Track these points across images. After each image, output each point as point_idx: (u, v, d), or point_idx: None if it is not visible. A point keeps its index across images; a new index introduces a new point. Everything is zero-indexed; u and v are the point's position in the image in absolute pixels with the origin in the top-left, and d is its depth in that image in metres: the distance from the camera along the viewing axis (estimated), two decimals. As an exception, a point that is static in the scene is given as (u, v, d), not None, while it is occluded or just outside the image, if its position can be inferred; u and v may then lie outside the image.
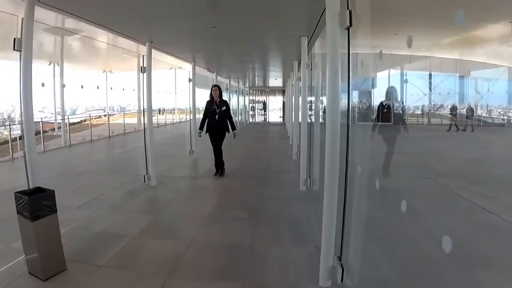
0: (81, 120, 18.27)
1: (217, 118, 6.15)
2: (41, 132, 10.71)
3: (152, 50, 5.87)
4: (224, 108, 6.20)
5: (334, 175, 2.62)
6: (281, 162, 7.92)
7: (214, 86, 6.31)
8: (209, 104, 6.23)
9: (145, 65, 5.59)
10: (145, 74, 5.65)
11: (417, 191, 5.63)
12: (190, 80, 8.50)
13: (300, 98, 5.69)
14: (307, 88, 5.35)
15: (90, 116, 16.55)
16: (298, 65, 8.13)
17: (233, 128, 6.41)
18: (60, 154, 10.01)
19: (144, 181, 5.79)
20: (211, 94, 6.24)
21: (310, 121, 5.92)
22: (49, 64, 14.36)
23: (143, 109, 5.99)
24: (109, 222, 4.06)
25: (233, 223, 4.04)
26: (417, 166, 7.29)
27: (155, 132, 7.14)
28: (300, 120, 6.20)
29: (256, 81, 19.82)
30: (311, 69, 5.14)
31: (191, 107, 8.63)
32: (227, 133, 6.42)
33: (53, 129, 14.71)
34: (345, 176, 2.72)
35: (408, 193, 5.33)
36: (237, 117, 18.24)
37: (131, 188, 5.60)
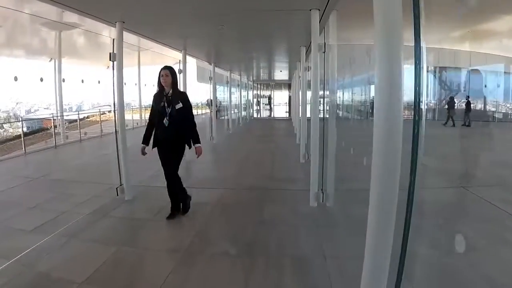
0: (84, 117, 17.69)
1: (166, 122, 3.70)
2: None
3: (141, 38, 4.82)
4: (179, 105, 3.71)
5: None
6: (286, 167, 6.78)
7: (163, 69, 3.73)
8: (157, 98, 3.79)
9: (115, 51, 4.47)
10: (115, 63, 4.55)
11: (455, 207, 4.47)
12: (180, 71, 7.38)
13: (311, 89, 4.48)
14: (319, 77, 4.18)
15: (77, 113, 15.71)
16: (307, 52, 6.96)
17: (195, 140, 3.96)
18: (41, 157, 9.01)
19: (117, 194, 4.73)
20: (159, 82, 3.75)
21: (323, 115, 4.77)
22: (50, 61, 14.02)
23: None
24: (58, 257, 3.03)
25: (219, 264, 2.94)
26: (445, 172, 6.14)
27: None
28: (309, 115, 5.06)
29: (261, 74, 18.63)
30: (325, 51, 3.97)
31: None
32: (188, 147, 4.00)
33: (50, 127, 13.93)
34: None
35: (445, 211, 4.20)
36: (239, 113, 17.10)
37: (102, 203, 4.56)
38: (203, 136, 10.73)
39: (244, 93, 20.29)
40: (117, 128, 4.86)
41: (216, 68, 13.17)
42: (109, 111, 18.37)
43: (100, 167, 6.98)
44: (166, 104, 3.71)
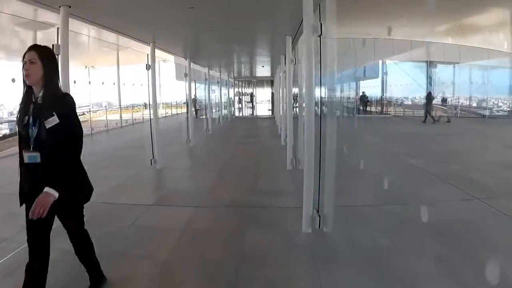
0: None
1: (31, 157, 1.90)
2: None
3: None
4: (52, 121, 1.89)
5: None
6: (272, 176, 5.86)
7: (28, 50, 1.92)
8: (22, 109, 1.99)
9: (59, 42, 3.44)
10: (60, 57, 3.54)
11: (479, 230, 3.65)
12: (148, 67, 6.35)
13: (304, 82, 3.53)
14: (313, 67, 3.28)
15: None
16: (293, 41, 6.08)
17: (57, 181, 1.86)
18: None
19: None
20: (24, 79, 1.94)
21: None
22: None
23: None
24: None
25: None
26: (451, 177, 5.41)
27: (127, 130, 5.02)
28: (304, 113, 4.22)
29: (242, 71, 17.66)
30: (321, 35, 3.07)
31: (150, 102, 6.48)
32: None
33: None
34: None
35: (470, 235, 3.41)
36: (220, 111, 16.09)
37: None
38: (179, 138, 9.87)
39: (224, 90, 19.28)
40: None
41: (193, 64, 12.20)
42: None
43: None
44: (31, 119, 1.90)
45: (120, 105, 19.21)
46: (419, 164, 6.46)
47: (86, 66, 21.54)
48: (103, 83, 21.26)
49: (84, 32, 11.06)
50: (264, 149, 8.64)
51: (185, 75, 9.05)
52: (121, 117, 16.61)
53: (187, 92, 9.13)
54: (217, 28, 5.67)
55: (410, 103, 21.53)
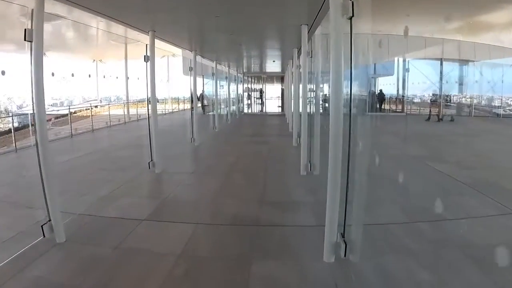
0: (72, 112, 16.81)
1: None
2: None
3: None
4: None
5: None
6: (284, 183, 5.18)
7: None
8: None
9: (33, 27, 2.83)
10: (33, 46, 2.95)
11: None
12: (146, 58, 5.71)
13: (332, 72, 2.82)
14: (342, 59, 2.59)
15: (52, 110, 14.36)
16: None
17: None
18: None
19: (44, 235, 3.13)
20: None
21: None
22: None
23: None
24: None
25: None
26: (483, 186, 4.68)
27: (131, 127, 4.45)
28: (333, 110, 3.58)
29: (252, 66, 16.93)
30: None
31: (149, 96, 5.84)
32: None
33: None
34: None
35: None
36: (228, 108, 15.42)
37: (22, 249, 2.98)
38: (183, 137, 9.27)
39: (233, 86, 18.62)
40: (37, 140, 3.22)
41: (201, 59, 11.57)
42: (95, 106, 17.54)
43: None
44: None
45: (128, 100, 18.85)
46: (444, 170, 5.73)
47: (94, 60, 21.41)
48: (104, 76, 21.09)
49: (93, 24, 10.81)
50: (274, 150, 7.95)
51: (190, 68, 8.39)
52: (124, 112, 16.10)
53: (192, 87, 8.48)
54: (224, 14, 4.98)
55: (419, 100, 20.58)
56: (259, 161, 6.74)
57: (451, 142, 9.32)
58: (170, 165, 6.33)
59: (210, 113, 16.88)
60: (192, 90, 8.50)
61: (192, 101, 8.79)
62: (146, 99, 5.90)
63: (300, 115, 6.03)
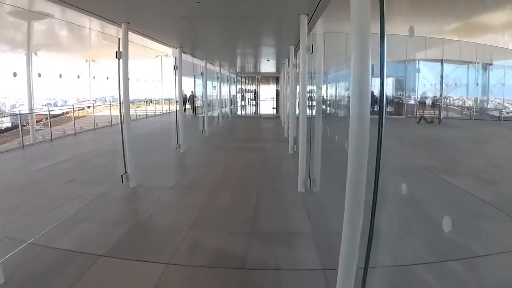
0: (63, 113, 16.69)
1: None
2: None
3: None
4: None
5: None
6: (278, 204, 4.32)
7: None
8: None
9: None
10: None
11: None
12: (119, 55, 4.85)
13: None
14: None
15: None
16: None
17: None
18: None
19: None
20: None
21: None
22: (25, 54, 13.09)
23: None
24: None
25: None
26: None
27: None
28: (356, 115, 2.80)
29: (245, 66, 16.12)
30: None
31: (121, 96, 4.98)
32: None
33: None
34: None
35: None
36: (219, 110, 14.55)
37: None
38: (168, 141, 8.41)
39: (225, 87, 17.79)
40: None
41: (192, 58, 10.73)
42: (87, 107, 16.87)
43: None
44: None
45: (120, 101, 17.84)
46: (461, 184, 4.92)
47: (86, 60, 20.61)
48: (94, 77, 20.40)
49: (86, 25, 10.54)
50: (268, 159, 7.10)
51: (175, 67, 7.55)
52: (111, 113, 15.17)
53: (177, 88, 7.62)
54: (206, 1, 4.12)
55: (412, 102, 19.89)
56: (250, 173, 5.89)
57: (459, 149, 8.57)
58: (148, 177, 5.49)
59: (202, 115, 16.04)
60: (177, 91, 7.63)
61: (176, 103, 7.91)
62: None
63: (297, 118, 5.23)
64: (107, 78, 19.30)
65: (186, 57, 10.60)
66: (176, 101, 7.85)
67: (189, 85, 18.27)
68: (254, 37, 7.17)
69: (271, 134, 11.15)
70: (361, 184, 1.87)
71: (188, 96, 19.00)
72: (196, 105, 18.14)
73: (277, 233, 3.40)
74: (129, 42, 5.01)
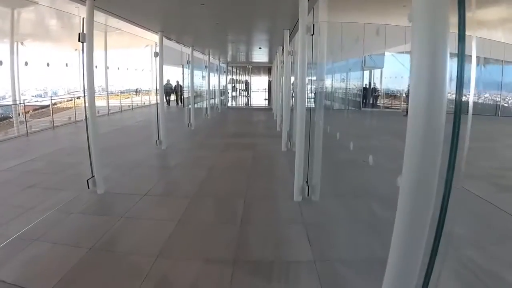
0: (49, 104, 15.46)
1: None
2: None
3: None
4: None
5: None
6: (271, 219, 3.59)
7: None
8: None
9: None
10: None
11: None
12: (82, 38, 4.00)
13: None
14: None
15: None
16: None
17: None
18: None
19: None
20: None
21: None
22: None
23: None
24: None
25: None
26: None
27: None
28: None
29: (237, 56, 15.21)
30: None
31: (85, 87, 4.14)
32: None
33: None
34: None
35: None
36: (207, 101, 13.69)
37: None
38: (150, 137, 7.68)
39: (215, 77, 16.90)
40: None
41: (181, 46, 9.84)
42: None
43: None
44: None
45: (108, 92, 17.20)
46: (479, 191, 4.20)
47: (76, 49, 19.59)
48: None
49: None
50: (258, 157, 6.35)
51: (155, 54, 6.70)
52: (85, 105, 14.20)
53: (158, 77, 6.76)
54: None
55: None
56: (238, 176, 5.13)
57: (467, 147, 7.92)
58: (120, 181, 4.73)
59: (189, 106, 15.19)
60: (158, 80, 6.79)
61: (157, 94, 7.08)
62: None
63: (292, 111, 4.47)
64: (96, 67, 18.33)
65: (175, 45, 9.88)
66: (157, 92, 7.01)
67: (177, 75, 17.37)
68: (245, 19, 6.33)
69: (262, 128, 10.40)
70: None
71: (174, 86, 18.05)
72: (184, 96, 17.20)
73: (267, 262, 2.67)
74: (116, 30, 4.22)
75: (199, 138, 8.57)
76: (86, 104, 4.24)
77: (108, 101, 15.45)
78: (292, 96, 7.75)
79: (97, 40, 4.32)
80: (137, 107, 17.31)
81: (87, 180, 4.19)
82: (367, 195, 4.17)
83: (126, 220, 3.50)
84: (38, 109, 16.62)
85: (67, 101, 16.96)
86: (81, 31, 4.02)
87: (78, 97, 18.29)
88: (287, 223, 3.42)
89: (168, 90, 17.26)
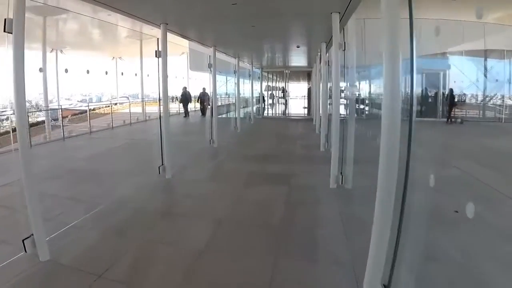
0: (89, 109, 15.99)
1: None
2: None
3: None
4: None
5: None
6: None
7: None
8: None
9: None
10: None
11: None
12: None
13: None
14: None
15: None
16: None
17: None
18: None
19: None
20: None
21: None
22: (51, 51, 13.68)
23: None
24: None
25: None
26: None
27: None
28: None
29: (271, 58, 13.21)
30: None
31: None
32: None
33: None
34: None
35: None
36: (236, 112, 11.83)
37: None
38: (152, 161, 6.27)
39: (245, 84, 15.21)
40: None
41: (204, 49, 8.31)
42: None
43: None
44: None
45: (130, 101, 16.64)
46: None
47: (113, 58, 19.37)
48: (122, 73, 19.81)
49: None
50: (294, 203, 4.28)
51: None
52: (111, 115, 13.18)
53: (161, 82, 5.05)
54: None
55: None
56: (261, 240, 3.17)
57: None
58: (88, 236, 3.00)
59: (220, 115, 13.67)
60: (160, 86, 5.08)
61: (159, 102, 5.35)
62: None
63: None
64: (136, 74, 17.88)
65: (204, 50, 8.75)
66: (159, 101, 5.27)
67: (204, 81, 16.06)
68: (284, 35, 6.80)
69: (300, 147, 8.22)
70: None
71: (199, 94, 16.46)
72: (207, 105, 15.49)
73: None
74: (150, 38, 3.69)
75: (217, 162, 6.69)
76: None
77: (144, 108, 15.55)
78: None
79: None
80: (172, 114, 16.14)
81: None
82: None
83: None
84: (77, 114, 16.36)
85: (105, 107, 17.26)
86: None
87: (115, 104, 17.89)
88: None
89: (185, 98, 15.92)
